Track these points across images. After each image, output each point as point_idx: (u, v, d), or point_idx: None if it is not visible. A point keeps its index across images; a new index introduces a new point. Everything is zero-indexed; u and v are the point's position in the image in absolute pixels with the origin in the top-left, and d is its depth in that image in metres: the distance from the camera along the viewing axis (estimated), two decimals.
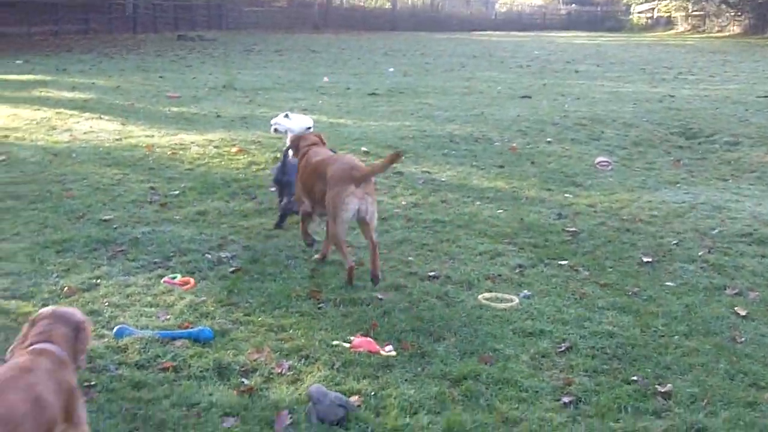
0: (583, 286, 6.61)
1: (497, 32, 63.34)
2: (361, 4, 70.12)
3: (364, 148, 11.77)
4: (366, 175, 6.40)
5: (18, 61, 25.45)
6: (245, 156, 11.06)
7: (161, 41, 38.17)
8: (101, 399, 4.56)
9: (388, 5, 69.99)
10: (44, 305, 5.82)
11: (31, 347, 3.58)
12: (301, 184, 7.08)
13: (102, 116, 14.51)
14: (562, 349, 5.38)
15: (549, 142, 13.01)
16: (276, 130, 9.56)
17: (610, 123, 14.83)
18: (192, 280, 6.43)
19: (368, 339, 5.38)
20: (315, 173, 6.74)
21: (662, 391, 4.84)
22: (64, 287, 6.23)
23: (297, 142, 7.48)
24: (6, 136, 12.47)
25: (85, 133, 12.82)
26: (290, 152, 7.76)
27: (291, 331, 5.57)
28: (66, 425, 3.50)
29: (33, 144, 11.93)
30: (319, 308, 6.00)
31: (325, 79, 22.22)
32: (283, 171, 8.00)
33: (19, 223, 7.90)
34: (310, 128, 9.27)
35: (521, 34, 61.42)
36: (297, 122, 9.46)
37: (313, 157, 6.94)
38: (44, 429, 3.33)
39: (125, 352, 5.16)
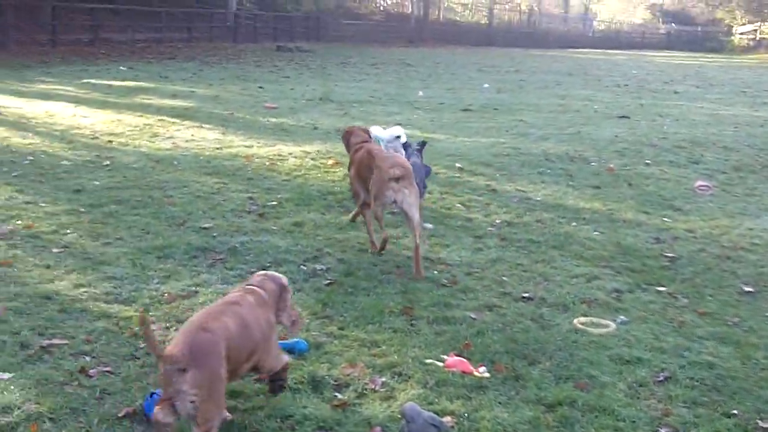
0: (682, 314, 6.47)
1: (594, 50, 62.62)
2: (458, 19, 70.14)
3: (458, 164, 11.75)
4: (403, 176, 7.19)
5: (122, 67, 26.20)
6: (341, 169, 11.15)
7: (261, 51, 38.83)
8: None
9: (484, 21, 69.88)
10: (145, 310, 5.99)
11: (244, 287, 4.62)
12: (357, 177, 7.89)
13: (203, 125, 14.82)
14: (661, 378, 5.27)
15: (647, 163, 12.78)
16: None
17: (710, 146, 14.51)
18: None
19: (462, 359, 5.35)
20: (369, 168, 7.53)
21: (764, 426, 4.70)
22: (164, 293, 6.36)
23: (348, 138, 8.47)
24: (110, 141, 12.84)
25: (186, 141, 13.11)
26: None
27: (384, 347, 5.58)
28: (262, 354, 4.40)
29: (136, 150, 12.26)
30: (412, 325, 6.00)
31: (420, 93, 22.27)
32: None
33: (122, 228, 8.11)
34: (399, 137, 9.37)
35: (618, 52, 60.60)
36: (387, 131, 9.61)
37: (367, 154, 7.73)
38: (250, 349, 4.28)
39: None
